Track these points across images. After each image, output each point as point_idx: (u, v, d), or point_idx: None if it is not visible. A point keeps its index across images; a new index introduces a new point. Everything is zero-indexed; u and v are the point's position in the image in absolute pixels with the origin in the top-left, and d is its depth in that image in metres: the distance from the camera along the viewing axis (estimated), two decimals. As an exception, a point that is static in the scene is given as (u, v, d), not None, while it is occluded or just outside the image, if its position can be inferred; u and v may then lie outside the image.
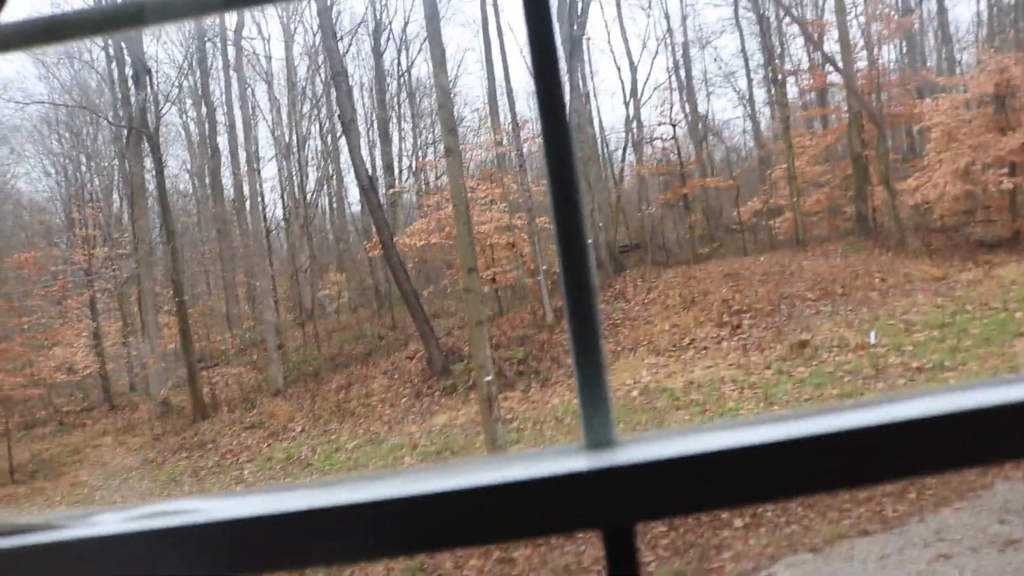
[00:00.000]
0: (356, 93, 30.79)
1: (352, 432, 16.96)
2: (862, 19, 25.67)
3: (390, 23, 34.87)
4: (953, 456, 1.01)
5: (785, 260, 21.18)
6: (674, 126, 29.15)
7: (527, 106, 47.98)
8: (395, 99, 34.07)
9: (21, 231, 30.97)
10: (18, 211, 31.67)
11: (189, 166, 33.82)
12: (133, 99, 24.81)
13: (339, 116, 23.86)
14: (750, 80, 32.52)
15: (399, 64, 33.96)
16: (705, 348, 16.90)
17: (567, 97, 1.05)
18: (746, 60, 31.88)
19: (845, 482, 1.02)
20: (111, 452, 20.44)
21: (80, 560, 1.07)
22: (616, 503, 1.02)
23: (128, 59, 25.08)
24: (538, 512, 1.03)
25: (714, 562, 8.60)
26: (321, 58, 29.08)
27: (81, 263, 26.19)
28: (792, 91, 30.13)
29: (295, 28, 33.22)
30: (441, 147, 29.48)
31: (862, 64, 25.31)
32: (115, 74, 26.92)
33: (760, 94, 32.94)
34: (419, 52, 33.61)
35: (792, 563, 8.36)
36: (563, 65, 1.14)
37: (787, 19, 28.99)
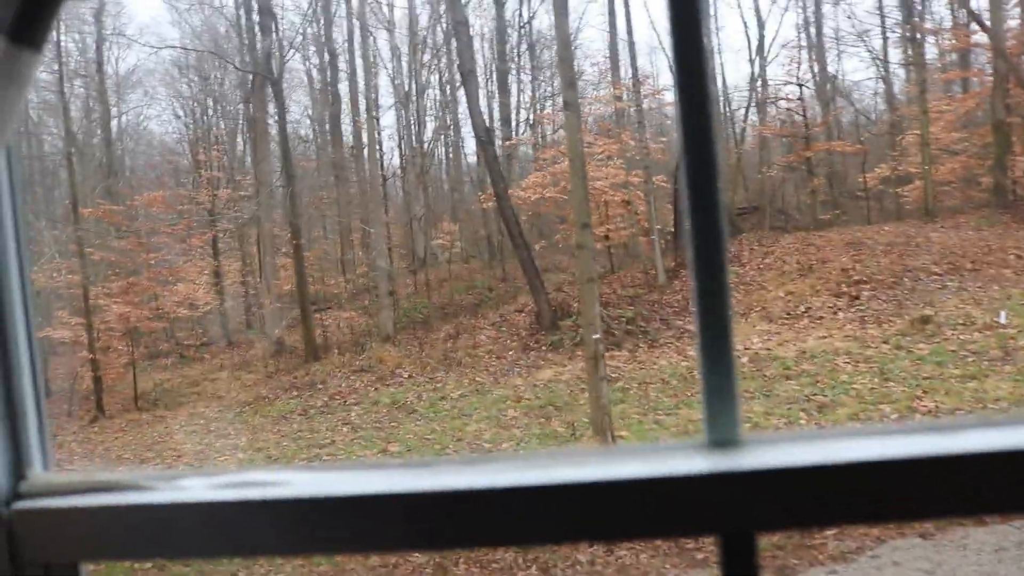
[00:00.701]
0: (476, 44, 30.71)
1: (458, 381, 17.16)
2: (1016, -26, 24.06)
3: (514, -27, 34.52)
4: None
5: (911, 231, 20.29)
6: (801, 86, 28.15)
7: (648, 61, 47.21)
8: (515, 51, 33.87)
9: (152, 171, 32.31)
10: (149, 152, 33.08)
11: (310, 112, 34.54)
12: (259, 45, 25.38)
13: (459, 66, 23.87)
14: (885, 39, 30.94)
15: (520, 15, 33.71)
16: (820, 318, 16.40)
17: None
18: (882, 18, 30.34)
19: (1006, 507, 0.89)
20: (227, 386, 21.28)
21: (167, 524, 1.07)
22: (738, 510, 0.93)
23: (255, 6, 25.62)
24: (652, 513, 0.95)
25: (816, 539, 8.37)
26: (443, 7, 29.11)
27: (205, 203, 27.14)
28: (931, 52, 28.63)
29: (419, -24, 33.23)
30: (559, 101, 29.24)
31: (1013, 23, 23.74)
32: (243, 20, 27.63)
33: (895, 54, 31.35)
34: (541, 3, 33.31)
35: (899, 547, 8.07)
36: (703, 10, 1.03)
37: (930, -26, 27.46)
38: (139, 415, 19.78)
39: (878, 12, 30.47)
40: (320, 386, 18.78)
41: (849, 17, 36.99)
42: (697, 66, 1.03)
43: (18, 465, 1.15)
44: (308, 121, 35.43)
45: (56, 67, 24.36)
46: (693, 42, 1.02)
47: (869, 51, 33.27)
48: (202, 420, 18.15)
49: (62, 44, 25.44)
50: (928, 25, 28.17)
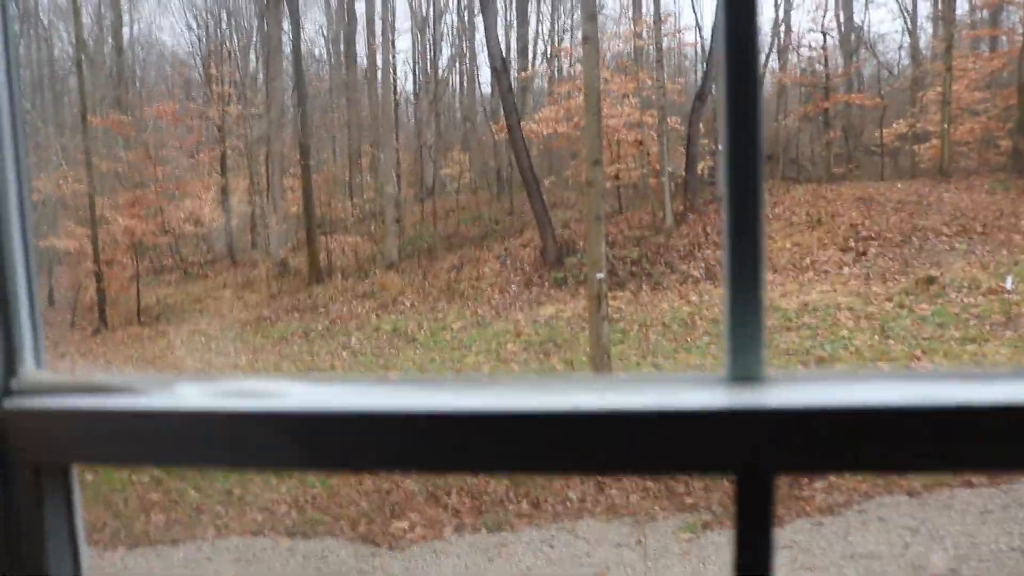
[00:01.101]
0: (498, -31, 30.10)
1: (459, 312, 17.21)
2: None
3: (540, -101, 33.70)
4: None
5: (924, 190, 20.12)
6: (825, 35, 27.68)
7: (672, -1, 46.36)
8: (537, -21, 33.22)
9: (162, 82, 31.99)
10: (161, 63, 32.64)
11: (325, 31, 34.01)
12: (277, -41, 24.91)
13: (478, -8, 23.45)
14: (915, -10, 30.32)
15: (545, -57, 33.02)
16: (825, 271, 16.35)
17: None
18: (915, -32, 29.69)
19: None
20: (229, 305, 21.37)
21: (160, 430, 1.05)
22: (758, 449, 0.89)
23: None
24: (667, 447, 0.91)
25: (805, 491, 8.46)
26: (466, -69, 28.52)
27: (215, 119, 26.92)
28: (961, 7, 28.00)
29: (443, -103, 32.46)
30: (578, 35, 28.75)
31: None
32: (262, -68, 27.04)
33: (924, 7, 30.73)
34: (566, -68, 32.58)
35: (886, 503, 8.16)
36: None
37: (967, -75, 26.70)
38: (141, 329, 19.91)
39: (910, -38, 29.81)
40: (322, 309, 18.86)
41: (880, -34, 36.24)
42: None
43: (10, 362, 1.13)
44: (323, 40, 34.93)
45: (68, -30, 23.96)
46: None
47: (898, 2, 32.66)
48: (203, 337, 18.27)
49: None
50: (960, -21, 27.52)
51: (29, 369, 1.15)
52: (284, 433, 1.01)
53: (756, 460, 0.90)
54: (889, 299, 14.32)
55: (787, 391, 0.93)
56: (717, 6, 0.99)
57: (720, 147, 0.99)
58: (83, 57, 23.76)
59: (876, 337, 12.69)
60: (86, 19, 27.16)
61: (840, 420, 0.88)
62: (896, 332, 12.75)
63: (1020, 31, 24.17)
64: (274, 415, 1.01)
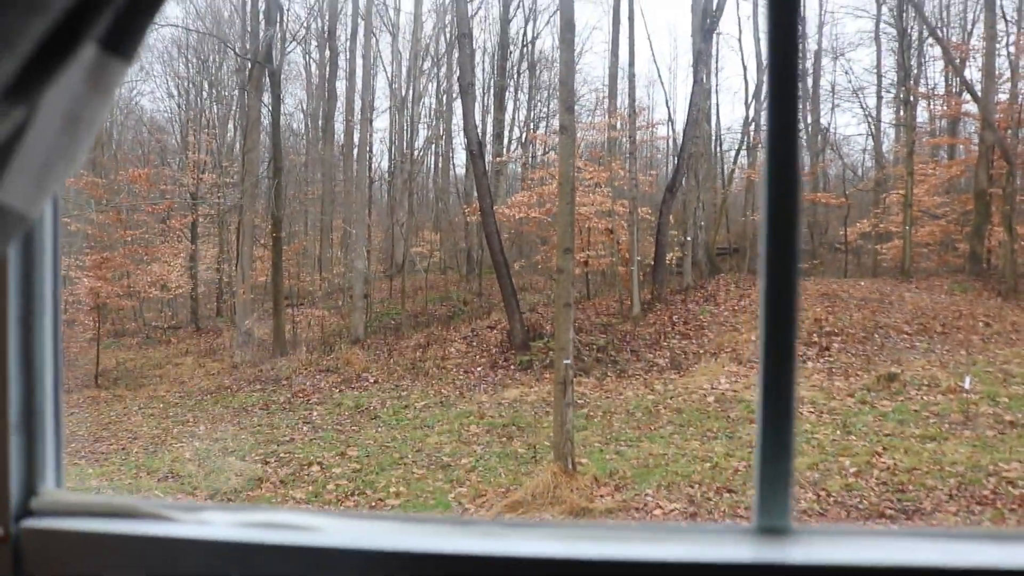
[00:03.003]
0: (478, 57, 30.79)
1: (423, 392, 17.08)
2: (1011, 49, 24.41)
3: (522, -8, 34.70)
4: None
5: (886, 288, 20.49)
6: (793, 134, 28.35)
7: (646, 93, 47.60)
8: (515, 68, 33.98)
9: (139, 147, 32.09)
10: (139, 127, 32.81)
11: (305, 106, 34.50)
12: (261, 34, 25.29)
13: (458, 78, 23.89)
14: (880, 98, 31.37)
15: (525, 34, 33.89)
16: (789, 365, 16.48)
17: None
18: (879, 77, 30.78)
19: None
20: (190, 372, 21.08)
21: (185, 559, 1.03)
22: None
23: (263, -6, 25.60)
24: None
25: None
26: (449, 17, 29.25)
27: (189, 186, 26.97)
28: (922, 115, 29.01)
29: (427, -16, 33.35)
30: (553, 122, 29.36)
31: (1003, 96, 24.12)
32: (248, 7, 27.55)
33: (887, 114, 31.80)
34: (546, 24, 33.55)
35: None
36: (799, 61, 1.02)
37: (929, 39, 27.76)
38: (98, 392, 19.55)
39: (875, 71, 30.92)
40: (284, 382, 18.64)
41: (847, 72, 37.57)
42: (790, 84, 1.01)
43: (30, 481, 1.10)
44: (301, 115, 35.38)
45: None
46: (788, 46, 1.00)
47: (863, 108, 33.76)
48: (162, 404, 17.96)
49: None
50: (922, 89, 28.54)
51: (50, 489, 1.12)
52: (318, 568, 0.99)
53: None
54: (851, 394, 14.44)
55: (812, 546, 0.94)
56: (766, 107, 1.03)
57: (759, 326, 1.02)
58: (60, 119, 23.73)
59: (838, 432, 12.74)
60: (66, 82, 27.21)
61: None
62: (858, 428, 12.81)
63: (976, 141, 25.02)
64: (308, 549, 0.99)
